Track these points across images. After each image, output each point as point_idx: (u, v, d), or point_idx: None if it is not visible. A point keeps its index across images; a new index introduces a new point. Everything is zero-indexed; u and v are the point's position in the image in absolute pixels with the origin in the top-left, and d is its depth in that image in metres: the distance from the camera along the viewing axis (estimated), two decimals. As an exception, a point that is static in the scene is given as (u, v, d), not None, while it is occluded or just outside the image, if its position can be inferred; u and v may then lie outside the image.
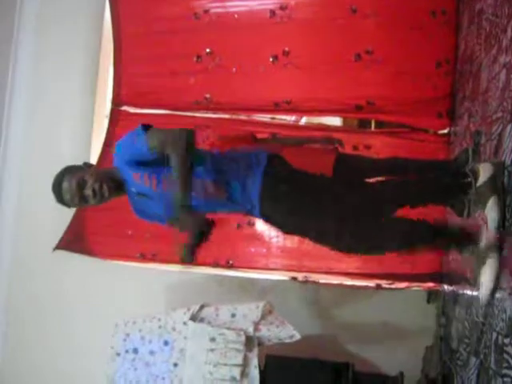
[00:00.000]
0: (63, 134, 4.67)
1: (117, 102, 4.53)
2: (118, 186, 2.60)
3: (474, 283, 2.38)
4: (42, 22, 4.70)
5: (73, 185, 2.54)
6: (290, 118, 4.43)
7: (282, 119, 4.40)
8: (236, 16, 4.30)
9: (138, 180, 2.54)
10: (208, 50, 4.30)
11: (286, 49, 4.19)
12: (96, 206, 2.65)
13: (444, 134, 4.12)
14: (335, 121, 4.59)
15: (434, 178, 2.68)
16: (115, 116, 4.53)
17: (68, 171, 2.64)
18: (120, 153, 2.60)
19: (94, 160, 4.56)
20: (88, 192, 2.52)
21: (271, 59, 4.21)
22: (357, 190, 2.64)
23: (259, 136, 3.46)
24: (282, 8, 4.19)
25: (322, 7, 4.19)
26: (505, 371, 2.17)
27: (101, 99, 4.69)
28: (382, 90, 4.09)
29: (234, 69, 4.29)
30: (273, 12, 4.21)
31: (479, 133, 2.98)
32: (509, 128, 2.40)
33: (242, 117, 4.29)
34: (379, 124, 4.56)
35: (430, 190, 2.65)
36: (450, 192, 2.67)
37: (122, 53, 4.48)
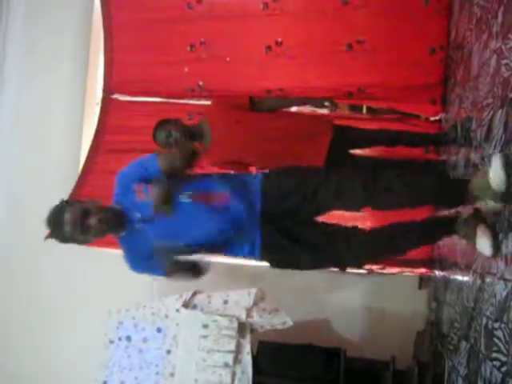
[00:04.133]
0: (54, 121, 4.65)
1: (108, 89, 4.51)
2: (117, 219, 2.58)
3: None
4: (31, 9, 4.66)
5: (77, 214, 2.48)
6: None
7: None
8: (229, 7, 4.32)
9: (141, 195, 2.54)
10: (202, 40, 4.30)
11: (279, 39, 4.22)
12: (90, 241, 2.61)
13: (435, 121, 4.14)
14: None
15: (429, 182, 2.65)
16: (106, 104, 4.51)
17: (67, 204, 2.60)
18: (125, 175, 2.64)
19: (85, 147, 4.55)
20: (93, 221, 2.47)
21: (264, 49, 4.23)
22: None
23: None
24: (275, 0, 4.22)
25: (313, 0, 4.21)
26: (494, 355, 2.19)
27: (91, 87, 4.67)
28: (374, 78, 4.10)
29: (227, 58, 4.32)
30: (265, 4, 4.24)
31: (470, 119, 2.99)
32: (499, 114, 2.41)
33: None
34: (371, 110, 4.58)
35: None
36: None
37: (113, 40, 4.47)
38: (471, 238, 2.40)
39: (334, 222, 2.69)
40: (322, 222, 2.70)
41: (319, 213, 2.68)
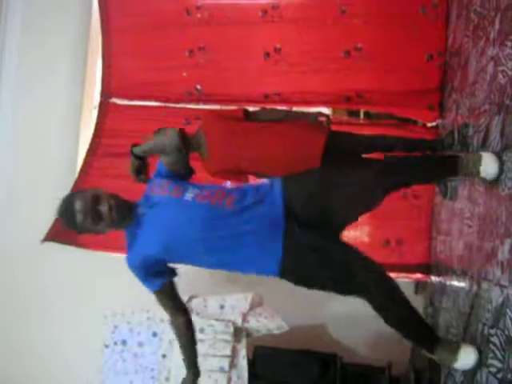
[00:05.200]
0: (51, 125, 4.65)
1: (106, 93, 4.51)
2: (128, 208, 2.54)
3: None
4: (29, 13, 4.66)
5: (88, 201, 2.40)
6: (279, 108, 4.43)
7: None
8: (228, 13, 4.33)
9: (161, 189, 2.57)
10: (200, 46, 4.32)
11: (278, 46, 4.24)
12: (103, 231, 2.57)
13: (433, 127, 4.15)
14: (324, 111, 4.60)
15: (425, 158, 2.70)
16: (104, 108, 4.52)
17: (77, 193, 2.56)
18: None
19: (83, 151, 4.55)
20: (104, 208, 2.40)
21: (263, 55, 4.25)
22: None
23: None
24: (274, 8, 4.25)
25: (311, 9, 4.24)
26: (490, 361, 2.19)
27: (89, 90, 4.67)
28: (371, 84, 4.13)
29: (226, 65, 4.33)
30: (264, 11, 4.26)
31: (467, 125, 3.00)
32: (496, 120, 2.41)
33: (233, 107, 4.29)
34: (368, 115, 4.60)
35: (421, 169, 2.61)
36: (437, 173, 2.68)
37: (111, 44, 4.47)
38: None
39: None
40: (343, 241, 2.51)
41: (343, 224, 2.55)
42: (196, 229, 2.38)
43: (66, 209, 2.44)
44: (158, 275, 2.59)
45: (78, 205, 2.40)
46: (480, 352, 2.30)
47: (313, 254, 2.32)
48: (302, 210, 2.38)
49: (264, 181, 2.82)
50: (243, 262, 2.40)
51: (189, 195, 2.45)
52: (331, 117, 4.42)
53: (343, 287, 2.45)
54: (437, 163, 2.65)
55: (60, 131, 4.65)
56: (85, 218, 2.38)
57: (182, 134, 3.07)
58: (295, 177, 2.51)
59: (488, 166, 2.35)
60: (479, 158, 2.39)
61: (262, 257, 2.34)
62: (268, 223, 2.34)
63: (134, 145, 3.05)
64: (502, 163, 2.30)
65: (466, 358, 2.34)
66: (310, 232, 2.34)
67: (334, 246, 2.39)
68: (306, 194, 2.41)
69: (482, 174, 2.38)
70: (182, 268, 4.32)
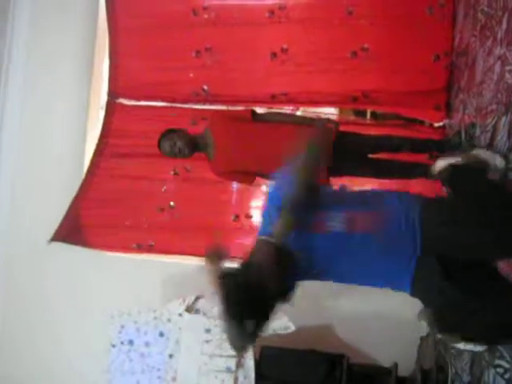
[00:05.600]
0: (58, 125, 4.65)
1: (112, 93, 4.52)
2: None
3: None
4: (36, 13, 4.67)
5: None
6: (286, 109, 4.43)
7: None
8: (234, 14, 4.33)
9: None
10: (207, 46, 4.32)
11: (285, 46, 4.23)
12: None
13: (439, 127, 4.14)
14: (331, 112, 4.60)
15: None
16: (111, 108, 4.52)
17: None
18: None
19: (89, 151, 4.56)
20: None
21: (270, 56, 4.25)
22: None
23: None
24: (281, 8, 4.24)
25: (318, 9, 4.23)
26: (497, 362, 2.19)
27: (96, 90, 4.67)
28: (378, 84, 4.11)
29: (232, 65, 4.32)
30: (271, 12, 4.25)
31: (474, 125, 2.99)
32: (503, 120, 2.41)
33: (240, 108, 4.29)
34: (374, 115, 4.59)
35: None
36: None
37: (118, 45, 4.47)
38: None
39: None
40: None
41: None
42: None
43: None
44: None
45: None
46: None
47: None
48: None
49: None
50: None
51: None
52: (338, 118, 4.46)
53: None
54: None
55: (67, 131, 4.65)
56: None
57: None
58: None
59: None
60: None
61: None
62: None
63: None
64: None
65: None
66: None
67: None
68: None
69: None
70: (187, 269, 4.38)
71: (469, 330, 2.02)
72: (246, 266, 1.84)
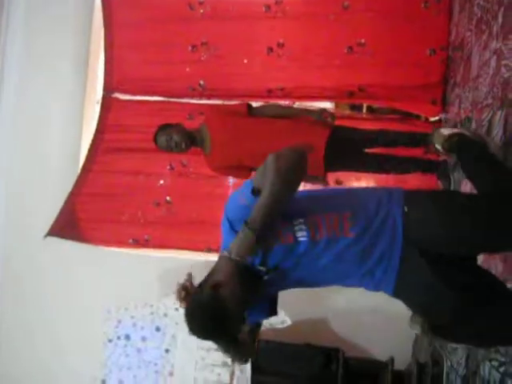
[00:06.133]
0: (53, 120, 4.64)
1: (108, 88, 4.51)
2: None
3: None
4: (31, 6, 4.65)
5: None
6: (282, 104, 4.44)
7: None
8: (231, 8, 4.32)
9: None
10: (203, 41, 4.31)
11: (281, 41, 4.24)
12: None
13: (435, 121, 4.14)
14: (327, 106, 4.60)
15: None
16: (107, 102, 4.51)
17: None
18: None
19: (85, 146, 4.56)
20: None
21: (266, 50, 4.25)
22: None
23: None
24: (277, 3, 4.24)
25: (314, 4, 4.23)
26: (493, 355, 2.19)
27: (92, 85, 4.66)
28: (374, 78, 4.12)
29: (229, 60, 4.32)
30: (267, 6, 4.25)
31: (469, 119, 2.99)
32: (498, 115, 2.41)
33: (236, 102, 4.30)
34: (370, 110, 4.60)
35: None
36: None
37: (114, 38, 4.47)
38: None
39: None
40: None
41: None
42: None
43: None
44: None
45: None
46: None
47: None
48: None
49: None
50: None
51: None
52: (334, 112, 4.46)
53: None
54: None
55: (62, 126, 4.64)
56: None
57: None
58: None
59: None
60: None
61: None
62: None
63: None
64: None
65: None
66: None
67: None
68: None
69: None
70: (183, 263, 4.38)
71: (459, 335, 1.96)
72: (207, 285, 1.75)
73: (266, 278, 1.78)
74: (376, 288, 1.93)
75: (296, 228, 1.81)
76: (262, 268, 1.77)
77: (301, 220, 1.82)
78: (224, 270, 1.75)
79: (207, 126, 3.48)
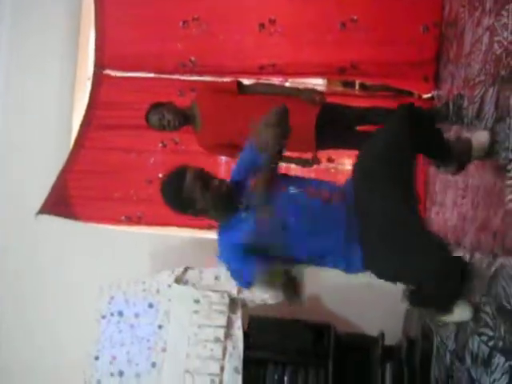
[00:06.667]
0: (44, 97, 4.60)
1: (99, 64, 4.47)
2: (229, 197, 2.35)
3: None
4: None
5: (200, 171, 2.33)
6: (275, 80, 4.41)
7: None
8: None
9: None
10: (195, 16, 4.27)
11: (272, 17, 4.20)
12: (205, 207, 2.35)
13: (428, 98, 4.14)
14: (319, 83, 4.59)
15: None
16: (98, 79, 4.47)
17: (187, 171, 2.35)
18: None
19: (76, 123, 4.53)
20: (215, 182, 2.32)
21: (258, 27, 4.21)
22: None
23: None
24: None
25: None
26: (482, 329, 2.22)
27: (82, 62, 4.62)
28: (367, 55, 4.10)
29: (220, 36, 4.29)
30: None
31: (461, 96, 3.00)
32: (490, 91, 2.41)
33: (227, 79, 4.28)
34: (363, 87, 4.58)
35: None
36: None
37: (105, 15, 4.41)
38: None
39: None
40: None
41: None
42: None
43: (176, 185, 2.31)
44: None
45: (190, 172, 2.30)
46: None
47: None
48: None
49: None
50: None
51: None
52: (326, 89, 4.44)
53: None
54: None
55: (54, 103, 4.61)
56: (194, 182, 2.26)
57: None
58: None
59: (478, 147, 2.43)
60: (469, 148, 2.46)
61: None
62: None
63: None
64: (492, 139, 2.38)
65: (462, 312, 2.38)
66: None
67: None
68: None
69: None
70: (176, 241, 4.39)
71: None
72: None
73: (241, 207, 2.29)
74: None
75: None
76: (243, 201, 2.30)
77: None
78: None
79: (198, 104, 3.47)
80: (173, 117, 3.39)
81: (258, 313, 3.79)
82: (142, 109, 3.50)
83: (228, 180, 2.43)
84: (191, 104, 3.54)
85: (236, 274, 2.38)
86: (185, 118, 3.46)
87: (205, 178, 2.29)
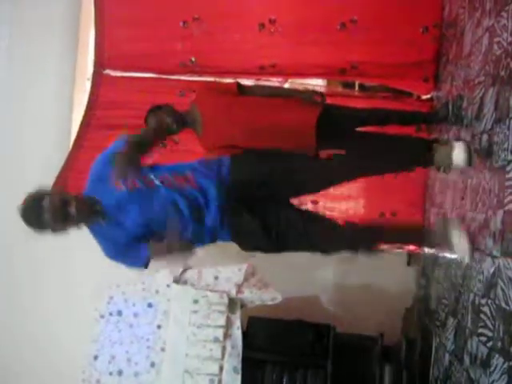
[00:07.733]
0: (44, 97, 4.59)
1: (99, 64, 4.47)
2: (93, 209, 2.75)
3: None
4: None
5: (56, 202, 2.57)
6: (275, 80, 4.41)
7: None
8: None
9: (118, 183, 2.73)
10: (195, 16, 4.27)
11: (273, 17, 4.20)
12: (68, 228, 2.74)
13: (427, 99, 4.15)
14: (319, 84, 4.59)
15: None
16: (97, 79, 4.47)
17: (43, 192, 2.68)
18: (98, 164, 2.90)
19: (76, 123, 4.52)
20: (72, 210, 2.60)
21: (258, 27, 4.22)
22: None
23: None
24: None
25: None
26: (481, 330, 2.23)
27: (82, 61, 4.61)
28: (367, 56, 4.12)
29: (220, 36, 4.30)
30: None
31: (461, 97, 3.00)
32: (490, 92, 2.41)
33: (227, 80, 4.28)
34: (362, 87, 4.59)
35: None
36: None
37: (105, 14, 4.41)
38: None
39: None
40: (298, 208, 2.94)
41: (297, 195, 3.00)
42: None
43: (35, 207, 2.56)
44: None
45: (45, 203, 2.53)
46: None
47: None
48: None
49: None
50: None
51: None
52: (326, 90, 4.44)
53: None
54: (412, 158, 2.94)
55: (53, 103, 4.60)
56: (53, 217, 2.53)
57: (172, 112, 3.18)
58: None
59: (458, 157, 2.72)
60: (451, 150, 2.74)
61: None
62: None
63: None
64: (470, 154, 2.66)
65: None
66: None
67: None
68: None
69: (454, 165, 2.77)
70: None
71: None
72: None
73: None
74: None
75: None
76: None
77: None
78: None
79: (197, 107, 3.46)
80: (172, 121, 3.38)
81: (257, 313, 3.79)
82: (142, 109, 3.49)
83: (80, 195, 2.76)
84: (190, 106, 3.53)
85: (130, 262, 2.87)
86: (184, 122, 3.45)
87: (62, 212, 2.56)
